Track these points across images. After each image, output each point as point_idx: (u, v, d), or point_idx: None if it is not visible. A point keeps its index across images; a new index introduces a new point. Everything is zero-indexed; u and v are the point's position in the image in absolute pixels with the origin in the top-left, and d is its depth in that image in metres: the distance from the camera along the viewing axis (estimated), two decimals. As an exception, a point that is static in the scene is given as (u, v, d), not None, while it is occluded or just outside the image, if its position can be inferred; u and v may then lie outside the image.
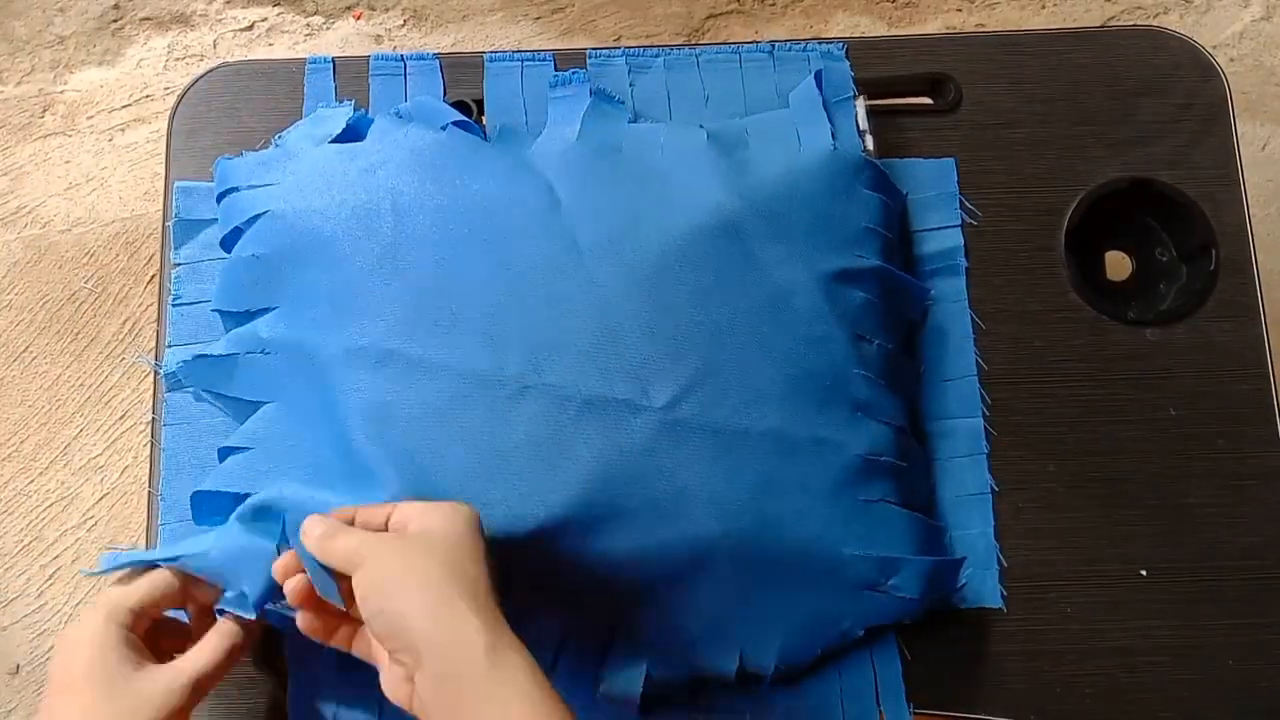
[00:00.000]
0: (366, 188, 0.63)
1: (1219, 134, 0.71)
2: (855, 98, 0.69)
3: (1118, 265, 0.71)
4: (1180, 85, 0.72)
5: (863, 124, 0.68)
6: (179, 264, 0.69)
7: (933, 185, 0.71)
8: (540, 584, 0.58)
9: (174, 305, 0.68)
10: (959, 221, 0.70)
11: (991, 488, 0.66)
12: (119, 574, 0.56)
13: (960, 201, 0.70)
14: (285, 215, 0.63)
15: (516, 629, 0.46)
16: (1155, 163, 0.70)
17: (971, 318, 0.68)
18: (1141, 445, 0.66)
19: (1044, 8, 1.46)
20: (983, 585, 0.64)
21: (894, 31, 0.66)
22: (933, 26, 1.46)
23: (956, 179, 0.71)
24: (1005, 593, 0.64)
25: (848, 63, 0.70)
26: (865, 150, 0.67)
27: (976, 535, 0.65)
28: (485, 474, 0.57)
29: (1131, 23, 1.44)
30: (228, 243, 0.66)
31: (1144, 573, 0.64)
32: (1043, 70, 0.72)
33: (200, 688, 0.51)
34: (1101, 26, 1.09)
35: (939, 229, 0.70)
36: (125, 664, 0.50)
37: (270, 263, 0.63)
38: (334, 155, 0.65)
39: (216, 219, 0.68)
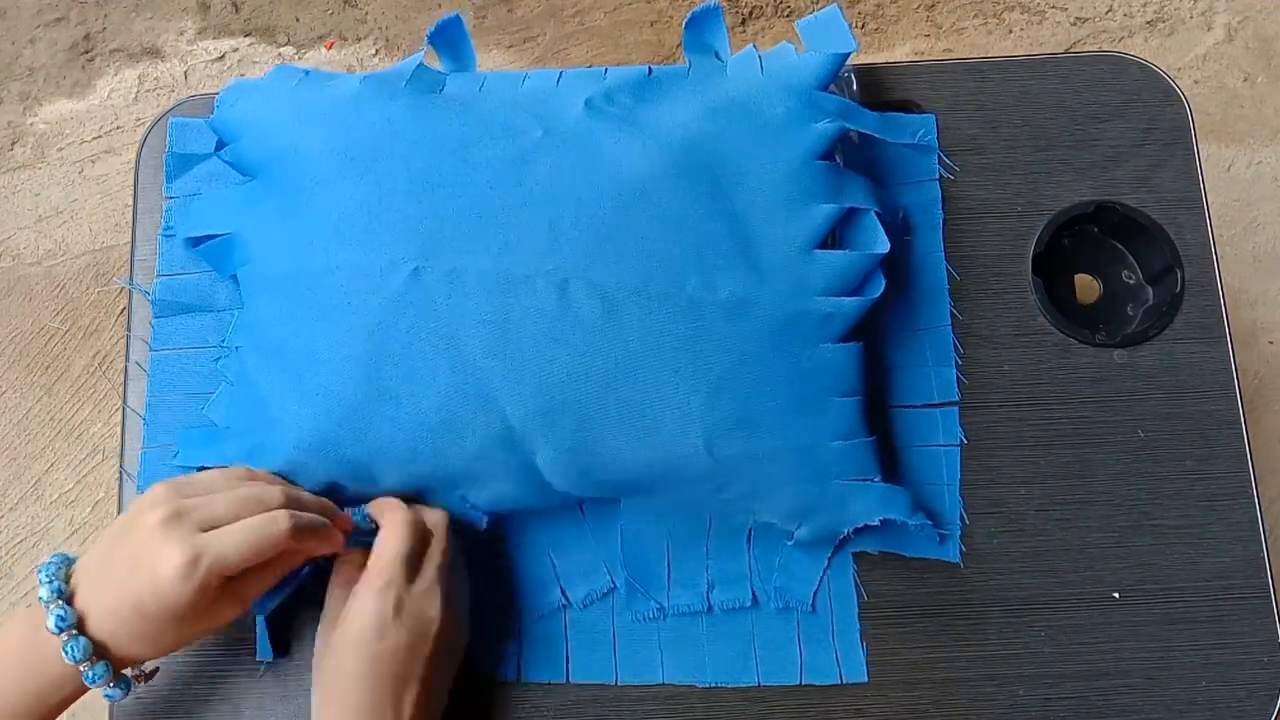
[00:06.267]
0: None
1: (1181, 157, 0.72)
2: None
3: (1087, 288, 0.72)
4: (1143, 110, 0.73)
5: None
6: (171, 197, 0.70)
7: (910, 139, 0.71)
8: None
9: (164, 236, 0.70)
10: (936, 175, 0.71)
11: (961, 440, 0.66)
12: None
13: (939, 156, 0.71)
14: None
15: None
16: (1120, 186, 0.71)
17: (946, 269, 0.69)
18: (1111, 467, 0.66)
19: (1010, 33, 1.48)
20: (947, 540, 0.65)
21: (862, 58, 0.67)
22: (900, 53, 1.47)
23: (935, 134, 0.72)
24: (964, 549, 0.65)
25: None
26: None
27: (943, 486, 0.66)
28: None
29: (1096, 47, 1.46)
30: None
31: (1117, 595, 0.64)
32: (1008, 96, 0.73)
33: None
34: (1065, 53, 1.10)
35: (916, 182, 0.71)
36: (200, 605, 0.50)
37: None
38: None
39: (209, 154, 0.70)
